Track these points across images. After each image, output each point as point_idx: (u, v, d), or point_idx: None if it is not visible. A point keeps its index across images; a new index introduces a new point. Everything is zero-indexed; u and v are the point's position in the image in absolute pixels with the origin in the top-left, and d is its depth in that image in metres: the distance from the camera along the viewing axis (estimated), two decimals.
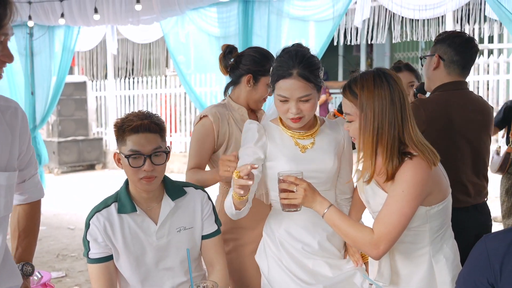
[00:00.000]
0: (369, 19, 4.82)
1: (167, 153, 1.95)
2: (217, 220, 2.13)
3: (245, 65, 2.47)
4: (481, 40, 7.96)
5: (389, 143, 1.75)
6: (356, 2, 4.62)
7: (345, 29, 5.47)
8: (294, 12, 5.00)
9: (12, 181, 1.56)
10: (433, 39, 5.39)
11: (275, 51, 5.33)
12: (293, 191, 1.77)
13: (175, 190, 2.04)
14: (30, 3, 5.59)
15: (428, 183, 1.75)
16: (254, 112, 2.57)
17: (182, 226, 2.03)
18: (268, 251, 2.10)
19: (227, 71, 2.53)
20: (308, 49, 2.00)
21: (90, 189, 8.67)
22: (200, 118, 2.46)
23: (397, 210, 1.72)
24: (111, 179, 9.58)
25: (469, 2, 4.66)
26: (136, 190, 1.98)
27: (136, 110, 2.00)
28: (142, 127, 1.88)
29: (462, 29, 6.77)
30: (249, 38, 5.11)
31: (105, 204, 1.98)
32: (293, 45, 2.02)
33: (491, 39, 8.12)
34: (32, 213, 1.86)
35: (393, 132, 1.75)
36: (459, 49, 2.41)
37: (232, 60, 2.50)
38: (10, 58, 1.47)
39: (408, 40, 5.89)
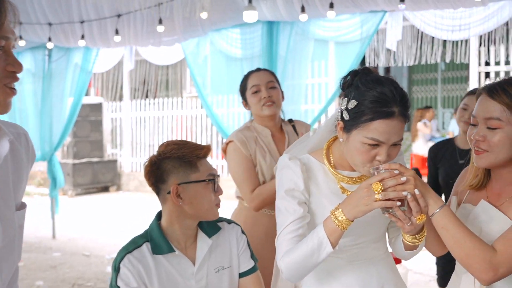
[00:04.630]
0: (398, 41, 4.63)
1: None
2: (252, 256, 1.95)
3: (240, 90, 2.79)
4: (507, 62, 7.77)
5: None
6: (386, 22, 4.46)
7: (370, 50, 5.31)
8: (320, 33, 4.85)
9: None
10: (455, 60, 5.24)
11: (299, 72, 5.20)
12: (401, 183, 1.40)
13: (209, 225, 1.87)
14: (50, 24, 5.49)
15: None
16: (281, 128, 2.76)
17: (221, 265, 1.86)
18: None
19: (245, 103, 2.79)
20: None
21: (104, 212, 8.51)
22: (227, 144, 2.68)
23: None
24: (125, 201, 9.43)
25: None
26: (172, 228, 1.80)
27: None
28: (208, 152, 1.85)
29: (487, 51, 6.59)
30: (273, 59, 4.97)
31: (135, 245, 1.78)
32: (363, 68, 1.57)
33: None
34: None
35: None
36: None
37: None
38: (17, 66, 1.19)
39: (429, 62, 5.71)
